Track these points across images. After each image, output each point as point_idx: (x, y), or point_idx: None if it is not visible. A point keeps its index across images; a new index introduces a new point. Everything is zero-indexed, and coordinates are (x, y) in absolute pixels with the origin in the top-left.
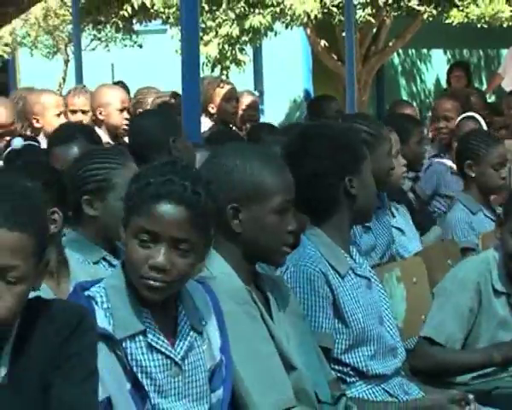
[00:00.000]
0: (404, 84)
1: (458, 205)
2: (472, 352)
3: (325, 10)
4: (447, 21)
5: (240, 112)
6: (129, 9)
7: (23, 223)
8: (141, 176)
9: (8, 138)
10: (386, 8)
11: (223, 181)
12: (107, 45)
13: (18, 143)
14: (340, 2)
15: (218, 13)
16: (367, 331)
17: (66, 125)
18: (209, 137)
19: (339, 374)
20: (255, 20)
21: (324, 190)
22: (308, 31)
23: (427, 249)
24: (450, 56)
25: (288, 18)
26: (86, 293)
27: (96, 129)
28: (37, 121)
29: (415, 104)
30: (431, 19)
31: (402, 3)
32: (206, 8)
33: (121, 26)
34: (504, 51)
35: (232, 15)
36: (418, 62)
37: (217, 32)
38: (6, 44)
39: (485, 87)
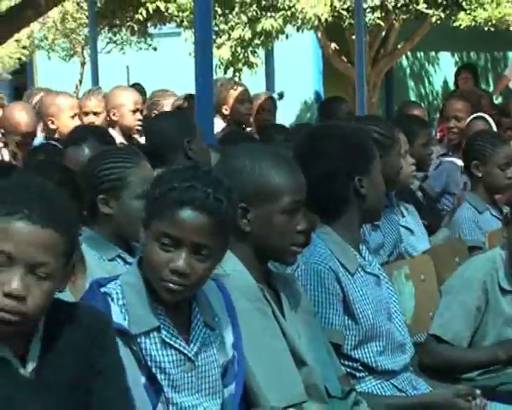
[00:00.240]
0: (413, 86)
1: (465, 204)
2: (478, 350)
3: (335, 14)
4: (455, 24)
5: (255, 114)
6: (144, 13)
7: (57, 221)
8: (163, 180)
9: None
10: (395, 11)
11: (232, 181)
12: (122, 48)
13: (37, 142)
14: (349, 6)
15: (230, 16)
16: (376, 328)
17: (79, 127)
18: (222, 139)
19: (348, 369)
20: (267, 23)
21: (334, 190)
22: (319, 34)
23: (435, 247)
24: (457, 59)
25: (299, 21)
26: (102, 289)
27: (110, 130)
28: (52, 123)
29: (423, 106)
30: (439, 22)
31: (411, 7)
32: (219, 11)
33: (136, 29)
34: (511, 54)
35: (244, 19)
36: (426, 65)
37: (229, 35)
38: (24, 47)
39: (491, 89)
